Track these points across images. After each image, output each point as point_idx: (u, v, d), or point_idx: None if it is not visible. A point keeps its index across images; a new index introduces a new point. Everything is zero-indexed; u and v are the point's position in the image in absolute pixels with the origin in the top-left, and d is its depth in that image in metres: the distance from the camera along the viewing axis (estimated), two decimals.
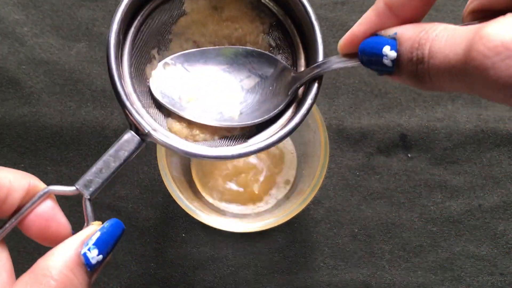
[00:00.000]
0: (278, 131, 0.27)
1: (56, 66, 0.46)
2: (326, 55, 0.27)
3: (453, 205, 0.45)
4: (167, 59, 0.29)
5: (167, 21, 0.29)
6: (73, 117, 0.45)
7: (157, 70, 0.29)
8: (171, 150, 0.26)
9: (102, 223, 0.25)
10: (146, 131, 0.26)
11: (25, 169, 0.45)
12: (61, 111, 0.45)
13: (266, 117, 0.28)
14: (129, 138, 0.26)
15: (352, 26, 0.24)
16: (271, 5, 0.29)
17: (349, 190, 0.45)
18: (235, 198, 0.44)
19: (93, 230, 0.24)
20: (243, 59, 0.29)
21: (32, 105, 0.45)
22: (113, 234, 0.24)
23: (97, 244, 0.23)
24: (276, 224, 0.37)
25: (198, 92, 0.29)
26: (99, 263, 0.23)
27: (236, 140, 0.29)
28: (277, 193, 0.44)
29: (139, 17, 0.28)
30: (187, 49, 0.30)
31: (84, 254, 0.23)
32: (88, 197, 0.25)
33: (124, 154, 0.26)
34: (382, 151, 0.45)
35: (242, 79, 0.29)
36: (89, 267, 0.23)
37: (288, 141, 0.45)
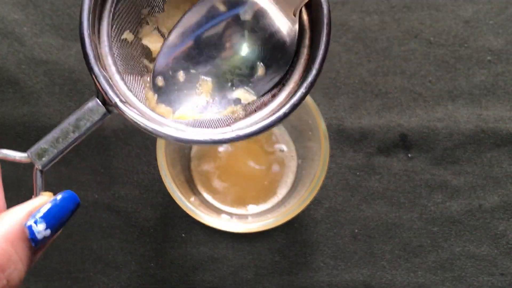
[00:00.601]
0: (265, 118, 0.24)
1: (56, 66, 0.46)
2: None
3: (454, 205, 0.45)
4: (161, 77, 0.26)
5: None
6: None
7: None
8: (137, 127, 0.23)
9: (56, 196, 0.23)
10: (113, 102, 0.23)
11: (24, 169, 0.45)
12: (60, 111, 0.45)
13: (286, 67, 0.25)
14: (94, 107, 0.23)
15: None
16: None
17: (349, 190, 0.45)
18: (235, 198, 0.44)
19: (43, 201, 0.22)
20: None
21: (32, 105, 0.45)
22: (65, 208, 0.22)
23: (45, 217, 0.21)
24: (276, 224, 0.37)
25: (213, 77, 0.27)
26: (46, 238, 0.21)
27: (219, 123, 0.26)
28: (277, 194, 0.44)
29: None
30: (184, 10, 0.26)
31: (30, 227, 0.20)
32: (40, 168, 0.23)
33: (85, 124, 0.23)
34: (382, 151, 0.45)
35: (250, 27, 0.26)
36: (33, 242, 0.21)
37: (288, 141, 0.45)
